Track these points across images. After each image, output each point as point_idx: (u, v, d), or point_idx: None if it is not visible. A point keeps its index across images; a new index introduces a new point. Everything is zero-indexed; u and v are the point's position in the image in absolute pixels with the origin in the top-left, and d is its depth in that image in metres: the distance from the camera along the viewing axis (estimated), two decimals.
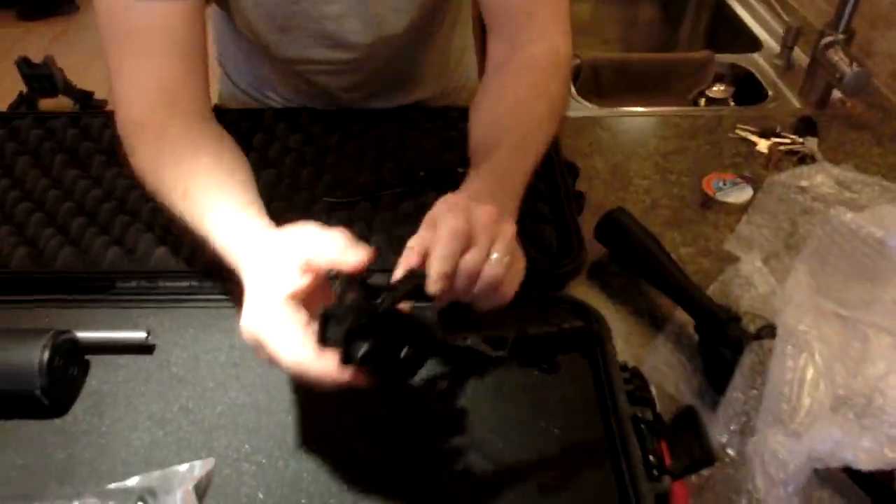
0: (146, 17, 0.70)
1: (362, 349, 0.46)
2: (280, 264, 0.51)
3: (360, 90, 1.01)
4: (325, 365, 0.47)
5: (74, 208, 0.86)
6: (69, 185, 0.90)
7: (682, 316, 0.87)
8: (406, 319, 0.50)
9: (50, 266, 0.78)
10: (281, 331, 0.49)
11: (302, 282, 0.50)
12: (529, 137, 0.71)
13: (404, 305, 0.51)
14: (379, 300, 0.47)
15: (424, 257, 0.52)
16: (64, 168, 0.93)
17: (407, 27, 0.90)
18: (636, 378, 0.65)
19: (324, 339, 0.48)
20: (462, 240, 0.52)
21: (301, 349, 0.48)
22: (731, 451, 0.61)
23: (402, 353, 0.48)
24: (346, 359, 0.47)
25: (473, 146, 0.74)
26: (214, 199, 0.62)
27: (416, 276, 0.51)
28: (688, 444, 0.57)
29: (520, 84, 0.76)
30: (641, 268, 0.91)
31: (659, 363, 0.81)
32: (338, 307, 0.48)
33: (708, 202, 1.04)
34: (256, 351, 0.50)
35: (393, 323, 0.48)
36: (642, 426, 0.60)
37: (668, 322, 0.87)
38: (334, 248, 0.50)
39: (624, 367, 0.66)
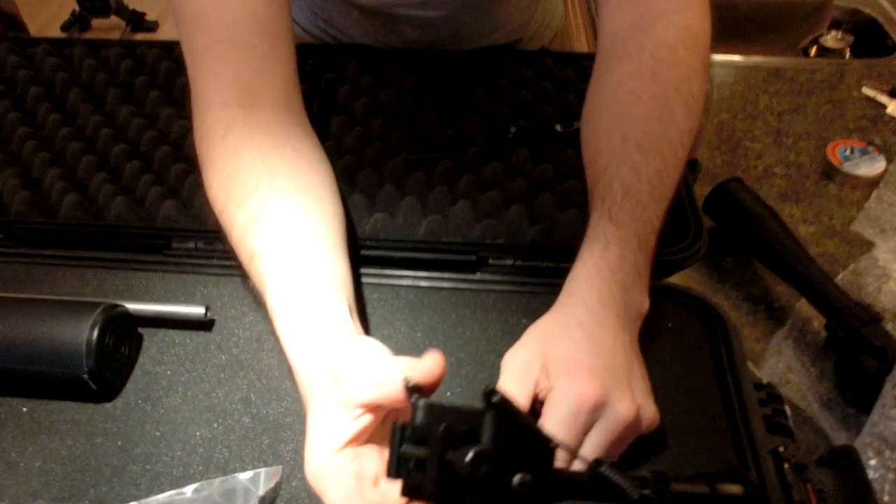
0: None
1: (469, 455, 0.32)
2: (337, 405, 0.42)
3: (442, 43, 0.90)
4: None
5: (128, 150, 0.78)
6: (123, 123, 0.82)
7: (805, 308, 0.76)
8: (527, 430, 0.35)
9: (102, 217, 0.71)
10: (338, 485, 0.41)
11: (358, 425, 0.42)
12: (670, 166, 0.57)
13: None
14: (491, 397, 0.34)
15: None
16: (117, 103, 0.84)
17: None
18: (773, 400, 0.55)
19: (397, 462, 0.34)
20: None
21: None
22: (887, 497, 0.52)
23: (516, 481, 0.34)
24: (442, 480, 0.32)
25: (594, 174, 0.59)
26: (283, 273, 0.50)
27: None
28: (840, 492, 0.47)
29: (653, 87, 0.59)
30: (759, 249, 0.79)
31: (780, 365, 0.71)
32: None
33: (831, 173, 0.91)
34: None
35: (510, 432, 0.34)
36: (785, 465, 0.50)
37: (789, 315, 0.77)
38: (393, 387, 0.40)
39: (759, 386, 0.55)
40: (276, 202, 0.53)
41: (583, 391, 0.45)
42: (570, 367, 0.47)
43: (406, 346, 0.59)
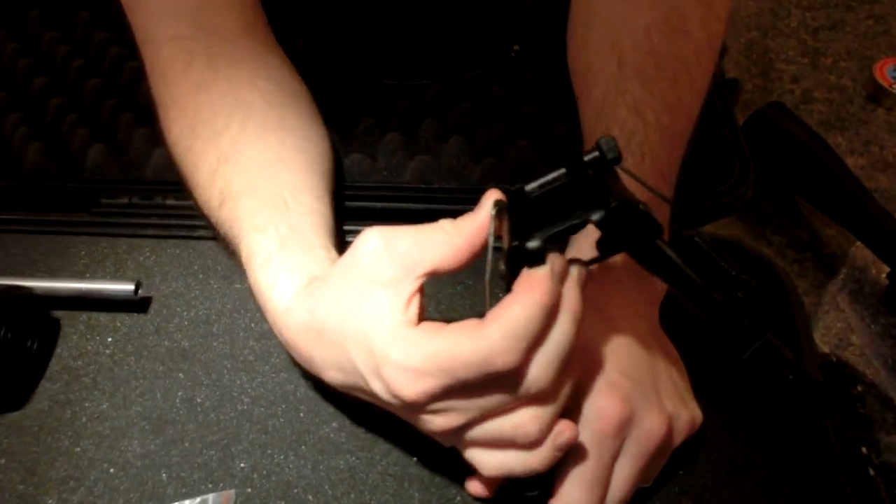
0: None
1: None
2: (383, 289, 0.33)
3: None
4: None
5: (49, 84, 0.65)
6: (46, 51, 0.69)
7: (862, 254, 0.65)
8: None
9: (14, 167, 0.58)
10: (442, 342, 0.31)
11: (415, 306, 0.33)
12: (684, 92, 0.46)
13: None
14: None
15: None
16: (39, 28, 0.71)
17: None
18: (846, 380, 0.44)
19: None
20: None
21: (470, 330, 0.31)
22: None
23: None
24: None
25: (586, 115, 0.49)
26: (261, 214, 0.41)
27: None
28: None
29: None
30: (805, 185, 0.68)
31: (837, 324, 0.60)
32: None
33: (879, 96, 0.79)
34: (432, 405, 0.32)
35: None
36: (870, 471, 0.40)
37: (842, 263, 0.66)
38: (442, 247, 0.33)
39: (829, 363, 0.44)
40: (251, 141, 0.44)
41: (601, 410, 0.36)
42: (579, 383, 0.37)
43: None
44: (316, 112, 0.51)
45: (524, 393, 0.31)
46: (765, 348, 0.34)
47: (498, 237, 0.33)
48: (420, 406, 0.32)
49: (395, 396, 0.31)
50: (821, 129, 0.80)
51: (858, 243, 0.66)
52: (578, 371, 0.34)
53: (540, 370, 0.31)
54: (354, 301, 0.33)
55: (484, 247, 0.33)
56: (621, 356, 0.38)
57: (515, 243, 0.31)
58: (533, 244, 0.31)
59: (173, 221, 0.52)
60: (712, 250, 0.33)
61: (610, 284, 0.41)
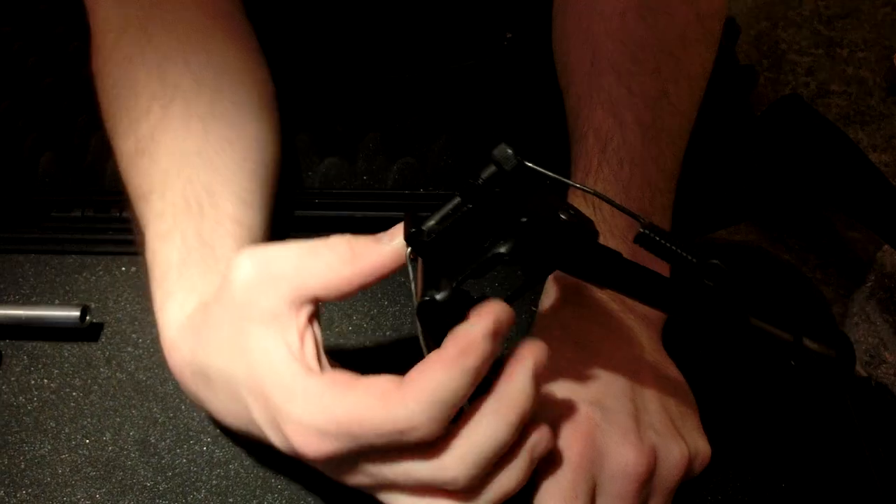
0: None
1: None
2: (280, 309, 0.28)
3: None
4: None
5: None
6: None
7: (891, 258, 0.60)
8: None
9: None
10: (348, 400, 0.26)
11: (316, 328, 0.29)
12: (669, 83, 0.41)
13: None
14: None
15: None
16: None
17: None
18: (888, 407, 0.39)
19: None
20: None
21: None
22: None
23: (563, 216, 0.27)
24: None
25: (567, 114, 0.45)
26: (169, 221, 0.36)
27: None
28: None
29: None
30: (826, 184, 0.63)
31: (868, 339, 0.55)
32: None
33: None
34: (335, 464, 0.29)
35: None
36: None
37: (869, 268, 0.61)
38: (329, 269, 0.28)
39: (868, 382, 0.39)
40: (170, 129, 0.39)
41: (563, 447, 0.32)
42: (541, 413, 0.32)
43: (367, 353, 0.42)
44: (266, 99, 0.45)
45: (438, 480, 0.27)
46: (753, 335, 0.30)
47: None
48: (323, 464, 0.28)
49: (296, 453, 0.28)
50: (839, 123, 0.75)
51: (886, 247, 0.61)
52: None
53: (460, 465, 0.27)
54: (239, 343, 0.29)
55: (378, 281, 0.28)
56: (595, 386, 0.34)
57: (426, 297, 0.26)
58: (441, 295, 0.26)
59: (129, 237, 0.47)
60: (664, 240, 0.28)
61: (588, 307, 0.36)
